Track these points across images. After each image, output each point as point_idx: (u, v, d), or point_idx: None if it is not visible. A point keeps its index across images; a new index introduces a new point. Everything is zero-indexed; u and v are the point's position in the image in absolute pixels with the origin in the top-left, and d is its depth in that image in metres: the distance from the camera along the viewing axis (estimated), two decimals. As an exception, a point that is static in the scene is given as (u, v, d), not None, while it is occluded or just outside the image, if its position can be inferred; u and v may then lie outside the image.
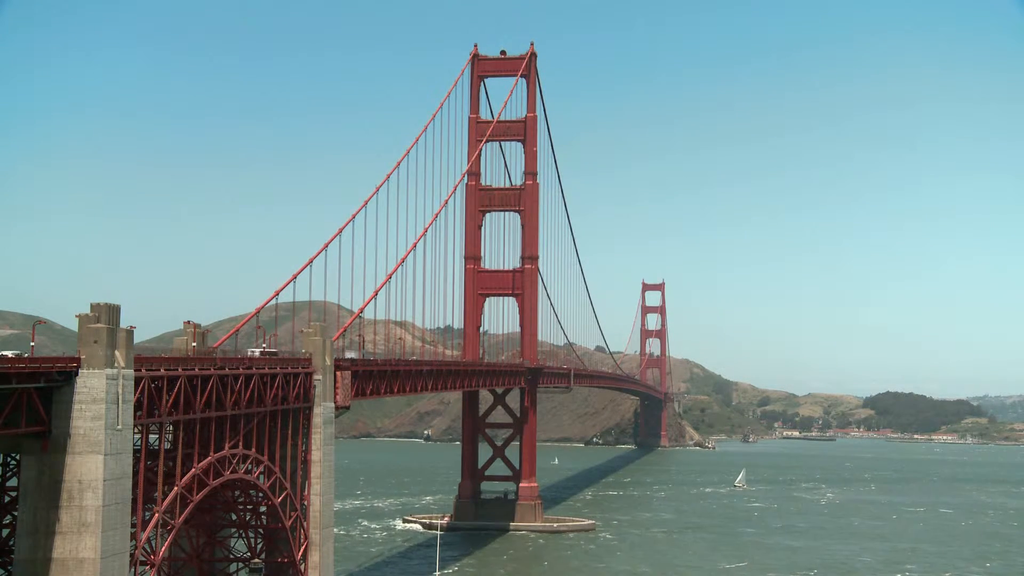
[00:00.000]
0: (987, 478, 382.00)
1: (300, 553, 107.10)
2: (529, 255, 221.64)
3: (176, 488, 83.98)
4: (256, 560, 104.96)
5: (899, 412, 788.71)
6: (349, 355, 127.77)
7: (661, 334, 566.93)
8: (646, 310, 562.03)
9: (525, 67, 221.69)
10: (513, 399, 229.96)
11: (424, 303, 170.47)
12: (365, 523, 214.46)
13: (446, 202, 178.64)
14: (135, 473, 77.41)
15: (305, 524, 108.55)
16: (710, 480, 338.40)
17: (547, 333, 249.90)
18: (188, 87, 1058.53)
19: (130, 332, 75.82)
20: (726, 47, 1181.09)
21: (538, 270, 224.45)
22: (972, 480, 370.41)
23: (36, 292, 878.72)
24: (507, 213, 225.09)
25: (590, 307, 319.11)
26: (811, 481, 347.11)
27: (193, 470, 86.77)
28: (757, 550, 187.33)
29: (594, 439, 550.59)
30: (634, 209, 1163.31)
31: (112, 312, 74.51)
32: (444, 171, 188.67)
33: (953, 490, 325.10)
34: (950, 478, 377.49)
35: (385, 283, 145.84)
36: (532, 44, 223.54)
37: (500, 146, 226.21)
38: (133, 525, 76.46)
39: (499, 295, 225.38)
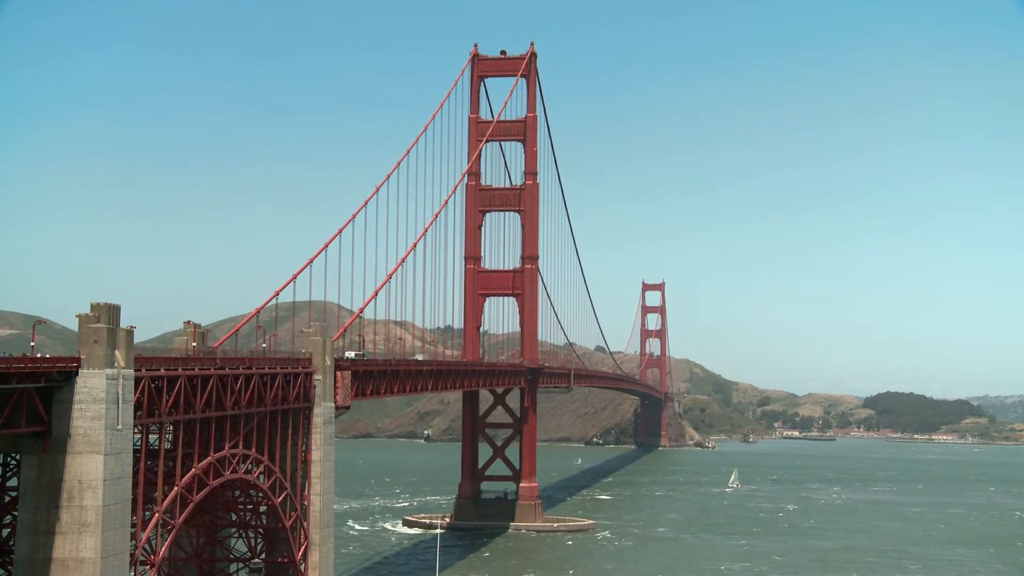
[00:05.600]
0: (991, 478, 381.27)
1: (300, 553, 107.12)
2: (529, 255, 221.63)
3: (176, 488, 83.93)
4: (256, 560, 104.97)
5: (899, 412, 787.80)
6: (418, 357, 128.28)
7: (661, 334, 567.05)
8: (646, 310, 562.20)
9: (525, 67, 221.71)
10: (513, 399, 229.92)
11: (424, 303, 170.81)
12: (365, 523, 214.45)
13: (446, 202, 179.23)
14: (135, 473, 77.35)
15: (305, 524, 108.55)
16: (710, 480, 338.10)
17: (547, 333, 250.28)
18: (188, 86, 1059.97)
19: (130, 332, 75.74)
20: (726, 47, 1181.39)
21: (538, 270, 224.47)
22: (976, 480, 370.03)
23: (36, 292, 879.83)
24: (507, 213, 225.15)
25: (590, 307, 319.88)
26: (813, 481, 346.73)
27: (193, 470, 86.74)
28: (758, 550, 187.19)
29: (594, 439, 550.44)
30: (634, 209, 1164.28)
31: (112, 312, 74.43)
32: (444, 171, 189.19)
33: (959, 490, 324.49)
34: (954, 478, 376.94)
35: (385, 283, 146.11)
36: (532, 44, 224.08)
37: (500, 146, 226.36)
38: (133, 525, 76.41)
39: (499, 295, 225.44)
